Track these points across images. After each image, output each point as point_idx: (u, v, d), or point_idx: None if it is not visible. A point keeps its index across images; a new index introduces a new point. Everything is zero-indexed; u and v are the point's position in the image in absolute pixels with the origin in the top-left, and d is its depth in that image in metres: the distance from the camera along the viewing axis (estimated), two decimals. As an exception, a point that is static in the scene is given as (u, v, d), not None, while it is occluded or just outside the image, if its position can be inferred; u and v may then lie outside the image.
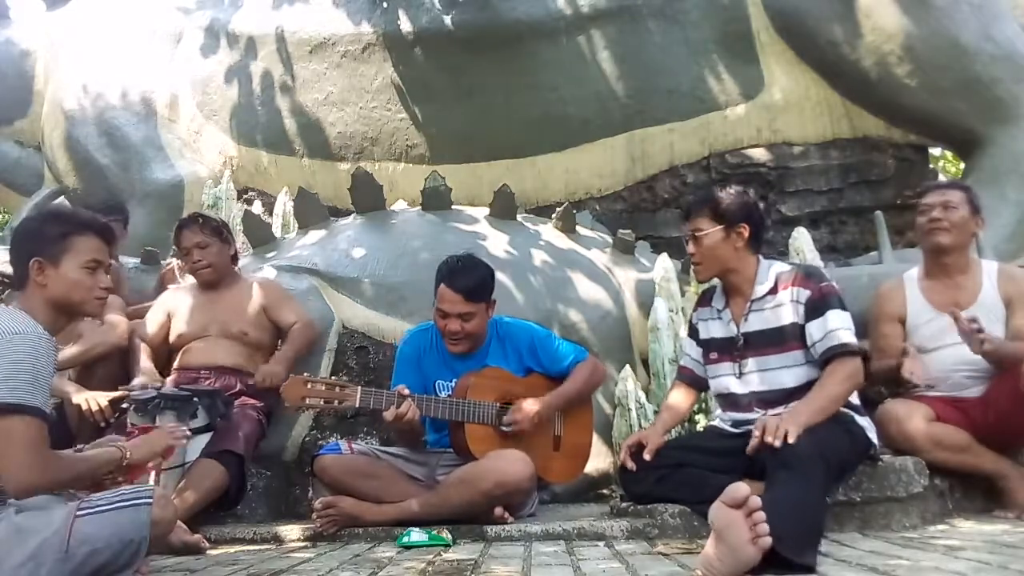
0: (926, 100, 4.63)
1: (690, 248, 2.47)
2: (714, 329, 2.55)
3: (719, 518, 1.62)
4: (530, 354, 2.82)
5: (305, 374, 2.61)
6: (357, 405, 2.57)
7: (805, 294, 2.34)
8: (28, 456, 1.64)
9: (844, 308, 2.33)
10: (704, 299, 2.63)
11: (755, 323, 2.42)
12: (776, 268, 2.45)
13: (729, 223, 2.41)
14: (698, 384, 2.67)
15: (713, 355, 2.54)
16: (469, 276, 2.70)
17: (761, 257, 2.49)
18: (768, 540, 1.59)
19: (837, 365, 2.26)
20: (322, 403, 2.54)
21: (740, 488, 1.60)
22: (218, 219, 3.42)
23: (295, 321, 3.25)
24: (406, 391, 2.56)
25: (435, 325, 2.83)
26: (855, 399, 2.37)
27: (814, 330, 2.31)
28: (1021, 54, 4.63)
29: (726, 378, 2.50)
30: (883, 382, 2.97)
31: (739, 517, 1.58)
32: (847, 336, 2.27)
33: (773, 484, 1.99)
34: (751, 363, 2.43)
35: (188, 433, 2.32)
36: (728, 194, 2.46)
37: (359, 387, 2.58)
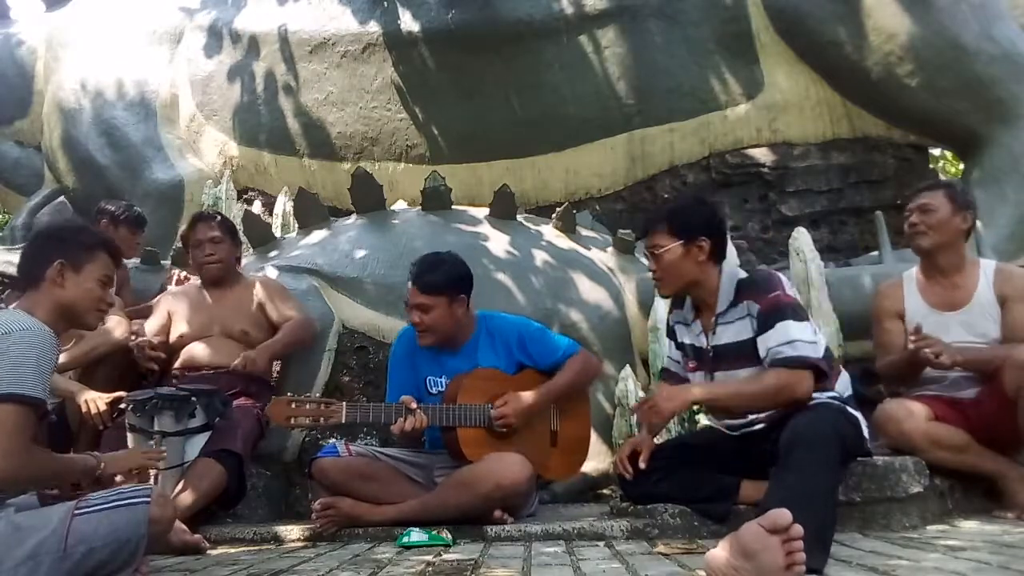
0: (926, 100, 4.63)
1: (651, 264, 2.44)
2: (687, 336, 2.52)
3: (754, 540, 1.55)
4: (520, 348, 2.80)
5: (289, 394, 2.62)
6: (343, 421, 2.56)
7: (756, 307, 2.29)
8: (10, 443, 1.64)
9: (798, 318, 2.23)
10: (678, 301, 2.58)
11: (723, 336, 2.37)
12: (737, 278, 2.38)
13: (688, 238, 2.35)
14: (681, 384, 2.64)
15: (691, 363, 2.50)
16: (428, 270, 2.73)
17: (723, 267, 2.42)
18: (803, 568, 1.54)
19: (773, 370, 2.20)
20: (308, 421, 2.54)
21: (783, 515, 1.54)
22: (230, 220, 3.49)
23: (289, 317, 3.25)
24: (413, 404, 2.56)
25: None
26: (846, 392, 2.34)
27: (761, 344, 2.25)
28: (1021, 54, 4.62)
29: None
30: (890, 378, 2.96)
31: (776, 543, 1.53)
32: (792, 350, 2.19)
33: (787, 466, 1.99)
34: (720, 376, 2.39)
35: (162, 460, 2.39)
36: (686, 207, 2.42)
37: (344, 403, 2.57)
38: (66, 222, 2.20)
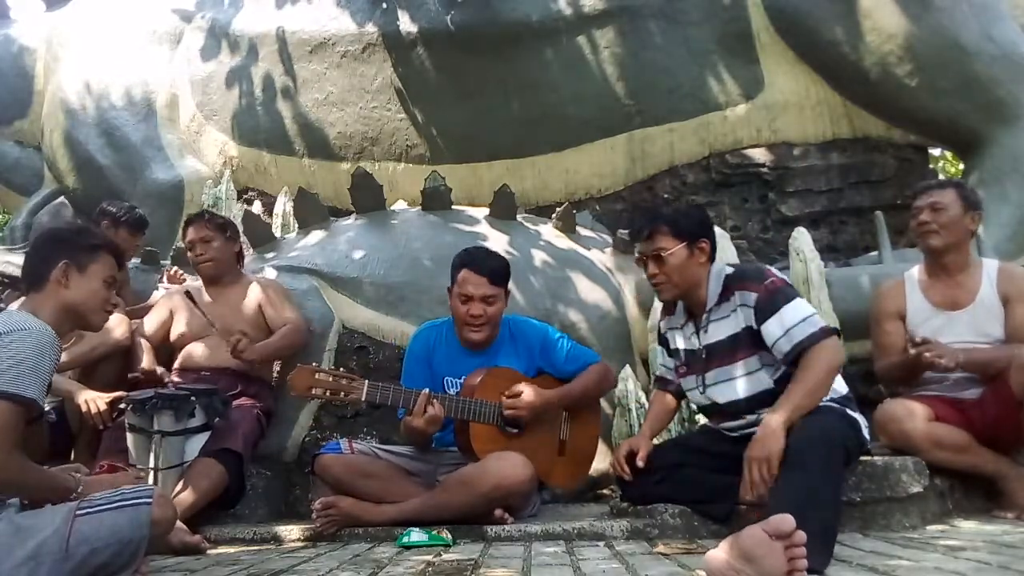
0: (926, 100, 4.62)
1: (651, 269, 2.40)
2: (679, 340, 2.53)
3: (756, 545, 1.55)
4: (541, 353, 2.82)
5: (313, 364, 2.64)
6: (363, 398, 2.57)
7: (752, 297, 2.29)
8: None
9: (795, 297, 2.26)
10: (669, 307, 2.58)
11: (715, 334, 2.38)
12: (724, 273, 2.40)
13: (691, 239, 2.37)
14: (676, 391, 2.64)
15: (682, 368, 2.51)
16: (492, 260, 2.80)
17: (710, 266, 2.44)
18: (804, 574, 1.54)
19: (811, 354, 2.18)
20: (328, 394, 2.54)
21: (786, 520, 1.54)
22: (224, 217, 3.49)
23: (287, 320, 3.23)
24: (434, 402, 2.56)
25: (445, 321, 2.87)
26: (843, 388, 2.34)
27: (772, 329, 2.23)
28: (1021, 54, 4.62)
29: (693, 392, 2.49)
30: (888, 380, 2.96)
31: (778, 548, 1.53)
32: (811, 326, 2.19)
33: (792, 469, 1.99)
34: (712, 375, 2.40)
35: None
36: (684, 210, 2.45)
37: (366, 381, 2.58)
38: (68, 225, 2.17)
